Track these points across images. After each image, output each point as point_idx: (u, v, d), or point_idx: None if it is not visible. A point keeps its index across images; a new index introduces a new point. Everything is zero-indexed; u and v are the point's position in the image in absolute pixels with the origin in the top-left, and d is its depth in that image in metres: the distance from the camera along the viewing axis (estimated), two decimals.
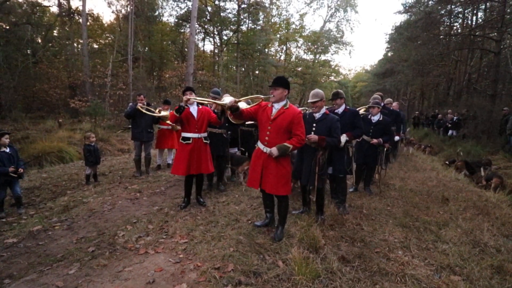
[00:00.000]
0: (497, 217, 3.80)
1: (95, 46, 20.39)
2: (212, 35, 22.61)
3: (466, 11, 15.55)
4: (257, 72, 25.97)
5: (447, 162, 8.30)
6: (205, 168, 3.71)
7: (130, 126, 5.85)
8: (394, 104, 6.56)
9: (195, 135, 3.64)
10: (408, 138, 10.19)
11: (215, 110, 3.71)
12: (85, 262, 2.47)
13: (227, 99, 3.04)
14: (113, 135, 9.87)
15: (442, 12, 14.31)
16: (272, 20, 25.49)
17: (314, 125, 3.21)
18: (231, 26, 21.59)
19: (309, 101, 3.26)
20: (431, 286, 2.23)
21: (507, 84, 13.05)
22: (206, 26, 22.11)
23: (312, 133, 3.14)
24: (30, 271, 2.36)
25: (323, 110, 3.24)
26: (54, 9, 17.50)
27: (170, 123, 5.43)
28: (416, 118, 17.08)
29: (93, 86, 14.02)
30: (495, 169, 7.29)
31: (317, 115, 3.24)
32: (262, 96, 2.99)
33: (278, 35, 26.40)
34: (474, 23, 15.15)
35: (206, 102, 3.61)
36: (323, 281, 2.22)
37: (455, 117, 11.83)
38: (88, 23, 17.38)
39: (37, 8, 16.10)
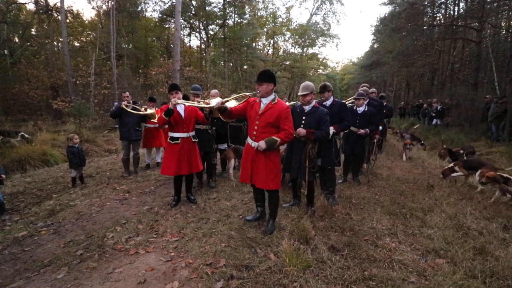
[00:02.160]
0: (479, 201, 3.95)
1: (76, 44, 19.71)
2: (198, 30, 22.27)
3: (448, 2, 15.85)
4: (245, 67, 25.82)
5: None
6: (195, 166, 3.70)
7: (116, 126, 5.72)
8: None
9: (184, 135, 3.60)
10: (410, 142, 7.20)
11: (204, 111, 3.65)
12: (74, 265, 2.42)
13: (214, 101, 3.03)
14: (99, 136, 9.64)
15: (425, 3, 14.53)
16: (259, 14, 25.29)
17: (304, 118, 3.22)
18: (217, 21, 21.29)
19: (299, 93, 3.25)
20: (417, 270, 2.31)
21: (488, 72, 13.44)
22: (191, 21, 21.73)
23: (302, 126, 3.16)
24: (16, 278, 2.30)
25: (313, 103, 3.26)
26: (31, 7, 16.84)
27: (155, 121, 5.36)
28: (402, 108, 17.43)
29: (76, 86, 13.59)
30: (477, 155, 7.55)
31: (307, 108, 3.25)
32: (249, 94, 2.99)
33: (265, 29, 26.24)
34: (456, 14, 15.48)
35: (194, 105, 3.55)
36: (314, 270, 2.26)
37: (439, 106, 12.13)
38: (68, 20, 16.76)
39: (13, 5, 15.40)
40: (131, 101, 5.39)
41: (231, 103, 3.13)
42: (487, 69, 13.46)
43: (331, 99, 3.84)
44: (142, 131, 5.82)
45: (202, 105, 3.31)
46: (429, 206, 3.66)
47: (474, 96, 11.37)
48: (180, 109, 3.58)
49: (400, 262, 2.38)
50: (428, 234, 2.91)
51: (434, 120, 12.29)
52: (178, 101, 3.40)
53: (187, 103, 3.48)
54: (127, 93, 5.39)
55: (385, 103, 6.70)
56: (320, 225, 3.09)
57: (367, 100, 5.51)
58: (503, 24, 14.66)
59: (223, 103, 2.84)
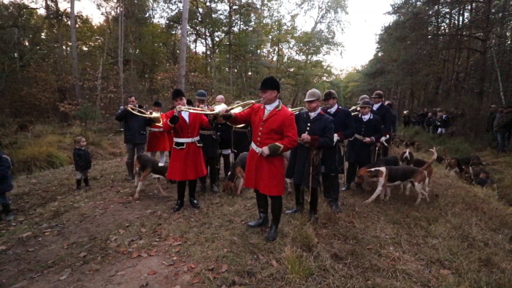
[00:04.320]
0: (485, 211, 3.90)
1: (85, 48, 20.12)
2: (203, 36, 22.59)
3: (453, 12, 15.94)
4: (249, 73, 26.03)
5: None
6: (200, 171, 3.72)
7: (122, 129, 5.79)
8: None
9: (188, 140, 3.63)
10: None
11: (208, 117, 3.67)
12: (77, 267, 2.43)
13: (219, 107, 3.07)
14: (104, 139, 9.74)
15: (430, 12, 14.62)
16: (264, 21, 25.60)
17: (309, 124, 3.24)
18: (223, 28, 21.61)
19: (305, 100, 3.29)
20: (421, 280, 2.27)
21: (493, 82, 13.40)
22: (197, 28, 22.08)
23: (306, 132, 3.17)
24: (20, 278, 2.32)
25: (319, 110, 3.28)
26: (42, 12, 17.26)
27: (160, 125, 5.41)
28: (406, 117, 17.38)
29: (83, 89, 13.81)
30: (483, 166, 7.48)
31: (312, 115, 3.27)
32: (253, 101, 3.03)
33: (270, 36, 26.53)
34: (460, 23, 15.54)
35: (199, 112, 3.57)
36: (316, 278, 2.24)
37: (444, 115, 12.08)
38: (77, 25, 17.13)
39: (24, 10, 15.80)
40: (136, 105, 5.46)
41: (236, 110, 3.17)
42: (492, 78, 13.42)
43: (336, 106, 3.86)
44: (147, 135, 5.88)
45: (207, 112, 3.35)
46: (433, 216, 3.62)
47: (479, 106, 11.32)
48: (185, 114, 3.62)
49: (404, 272, 2.35)
50: (433, 244, 2.87)
51: (439, 129, 12.22)
52: (183, 108, 3.45)
53: (192, 110, 3.52)
54: (133, 98, 5.47)
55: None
56: (323, 233, 3.07)
57: (380, 103, 5.50)
58: (508, 34, 14.66)
59: (227, 110, 2.88)
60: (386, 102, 6.91)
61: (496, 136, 9.08)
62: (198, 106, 4.26)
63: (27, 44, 16.50)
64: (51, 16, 16.22)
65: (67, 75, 14.77)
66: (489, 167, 7.36)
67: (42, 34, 17.82)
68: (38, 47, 16.37)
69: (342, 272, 2.34)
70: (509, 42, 13.99)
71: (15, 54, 14.66)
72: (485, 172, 6.23)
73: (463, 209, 3.93)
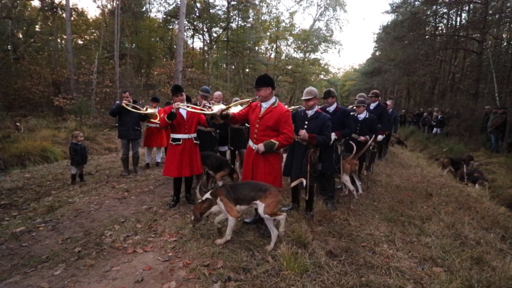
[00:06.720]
0: (477, 211, 3.96)
1: (80, 42, 19.79)
2: (201, 32, 22.40)
3: (450, 12, 16.03)
4: (247, 70, 25.93)
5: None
6: (196, 169, 3.71)
7: (117, 124, 5.74)
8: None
9: (185, 136, 3.61)
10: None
11: (206, 116, 3.64)
12: (71, 262, 2.42)
13: (216, 107, 3.06)
14: (99, 134, 9.66)
15: (428, 12, 14.68)
16: (262, 18, 25.48)
17: (306, 122, 3.25)
18: (221, 23, 21.45)
19: (303, 98, 3.29)
20: (414, 277, 2.31)
21: (489, 83, 13.55)
22: (195, 23, 21.89)
23: (304, 130, 3.18)
24: (14, 273, 2.30)
25: (316, 108, 3.29)
26: (36, 3, 16.99)
27: (156, 121, 5.38)
28: (402, 116, 17.52)
29: (78, 83, 13.63)
30: (477, 165, 7.59)
31: (310, 113, 3.28)
32: (250, 99, 3.03)
33: (268, 33, 26.41)
34: (458, 24, 15.64)
35: (197, 111, 3.54)
36: (311, 275, 2.26)
37: (439, 116, 12.20)
38: (72, 18, 16.83)
39: (18, 1, 15.47)
40: (131, 101, 5.41)
41: (234, 109, 3.16)
42: (488, 79, 13.56)
43: (335, 105, 3.87)
44: (142, 131, 5.83)
45: (205, 111, 3.34)
46: (427, 215, 3.66)
47: (474, 106, 11.44)
48: (183, 110, 3.60)
49: (397, 269, 2.38)
50: (426, 242, 2.91)
51: (434, 129, 12.35)
52: (181, 105, 3.43)
53: (190, 108, 3.50)
54: (127, 93, 5.41)
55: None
56: (318, 230, 3.09)
57: (377, 102, 5.53)
58: (504, 35, 14.81)
59: (223, 110, 2.87)
60: (388, 102, 6.97)
61: (490, 137, 9.21)
62: (201, 102, 4.23)
63: (21, 36, 16.20)
64: (46, 8, 15.91)
65: (61, 69, 14.53)
66: (482, 167, 7.46)
67: (37, 26, 17.49)
68: (32, 40, 16.07)
69: (337, 269, 2.37)
70: (505, 44, 14.13)
71: (9, 46, 14.38)
72: (478, 171, 6.33)
73: (456, 208, 3.99)
